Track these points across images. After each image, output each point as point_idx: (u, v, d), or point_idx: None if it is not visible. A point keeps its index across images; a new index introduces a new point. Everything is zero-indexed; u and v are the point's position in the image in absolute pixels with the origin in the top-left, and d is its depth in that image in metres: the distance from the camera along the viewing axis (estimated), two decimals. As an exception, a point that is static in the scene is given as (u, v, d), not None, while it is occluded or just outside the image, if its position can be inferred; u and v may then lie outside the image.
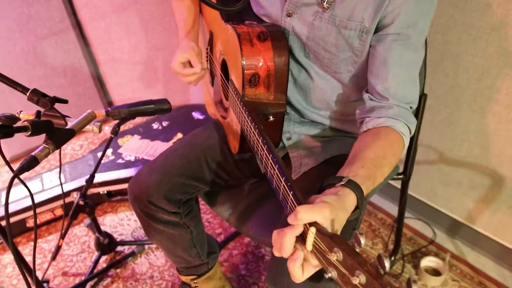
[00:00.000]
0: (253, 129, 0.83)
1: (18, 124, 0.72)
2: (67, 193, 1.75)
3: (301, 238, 0.60)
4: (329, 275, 0.54)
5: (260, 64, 0.91)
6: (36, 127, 0.71)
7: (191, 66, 1.10)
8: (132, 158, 1.92)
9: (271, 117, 0.96)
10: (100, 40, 2.24)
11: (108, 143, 1.27)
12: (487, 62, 1.25)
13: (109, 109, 1.09)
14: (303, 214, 0.57)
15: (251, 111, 0.87)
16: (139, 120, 2.21)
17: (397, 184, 1.52)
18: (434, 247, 1.62)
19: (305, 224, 0.59)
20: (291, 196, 0.64)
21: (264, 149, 0.76)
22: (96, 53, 2.29)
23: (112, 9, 2.14)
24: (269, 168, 0.75)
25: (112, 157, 1.93)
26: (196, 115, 2.19)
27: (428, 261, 1.53)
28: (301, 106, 1.06)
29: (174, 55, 1.10)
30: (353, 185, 0.67)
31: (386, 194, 1.83)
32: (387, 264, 0.49)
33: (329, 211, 0.59)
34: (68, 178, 1.84)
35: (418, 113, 1.15)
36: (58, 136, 0.75)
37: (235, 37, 0.92)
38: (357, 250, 0.54)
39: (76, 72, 2.29)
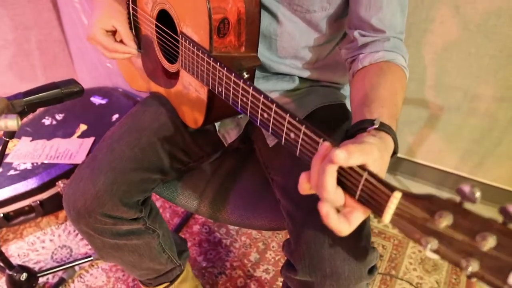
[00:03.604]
0: (234, 79, 0.65)
1: None
2: None
3: None
4: (428, 246, 0.42)
5: (230, 5, 0.71)
6: None
7: (114, 35, 0.89)
8: (29, 166, 1.51)
9: (245, 73, 0.78)
10: None
11: (3, 149, 0.94)
12: (420, -8, 1.24)
13: (-5, 103, 0.78)
14: (357, 154, 0.47)
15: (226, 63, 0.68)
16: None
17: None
18: (382, 187, 1.65)
19: (352, 169, 0.47)
20: (303, 131, 0.52)
21: (251, 92, 0.61)
22: None
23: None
24: (265, 114, 0.60)
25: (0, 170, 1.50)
26: (96, 100, 1.83)
27: (384, 202, 1.55)
28: (264, 58, 0.90)
29: (92, 18, 0.84)
30: (386, 127, 0.57)
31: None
32: None
33: (377, 152, 0.50)
34: None
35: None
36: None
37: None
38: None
39: None
